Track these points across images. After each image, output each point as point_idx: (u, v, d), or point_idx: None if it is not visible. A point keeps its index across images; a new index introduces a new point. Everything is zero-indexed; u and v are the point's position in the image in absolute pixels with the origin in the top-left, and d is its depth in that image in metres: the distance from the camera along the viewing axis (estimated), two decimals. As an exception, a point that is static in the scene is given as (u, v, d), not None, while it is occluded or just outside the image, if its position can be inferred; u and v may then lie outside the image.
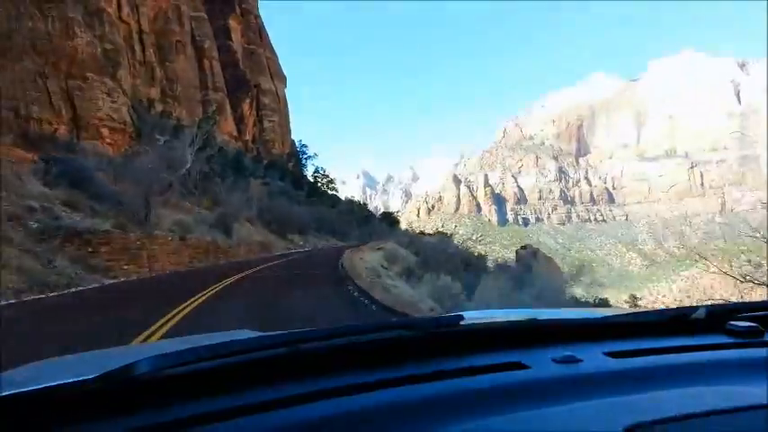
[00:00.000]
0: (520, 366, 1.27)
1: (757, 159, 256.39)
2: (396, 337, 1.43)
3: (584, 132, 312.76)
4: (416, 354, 1.37)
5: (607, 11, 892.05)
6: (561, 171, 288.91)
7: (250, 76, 51.95)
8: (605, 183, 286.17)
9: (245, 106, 51.05)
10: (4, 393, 1.08)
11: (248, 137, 51.18)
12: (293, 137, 61.52)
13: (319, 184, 57.66)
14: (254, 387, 1.17)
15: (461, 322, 1.48)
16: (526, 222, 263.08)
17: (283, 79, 60.67)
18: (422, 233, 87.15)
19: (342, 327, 1.33)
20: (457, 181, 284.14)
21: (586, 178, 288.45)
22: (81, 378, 1.16)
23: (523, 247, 31.66)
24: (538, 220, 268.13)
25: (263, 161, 44.74)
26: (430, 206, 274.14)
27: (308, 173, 60.53)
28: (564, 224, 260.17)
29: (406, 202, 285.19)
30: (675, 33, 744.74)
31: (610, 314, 1.82)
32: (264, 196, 45.15)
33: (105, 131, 30.61)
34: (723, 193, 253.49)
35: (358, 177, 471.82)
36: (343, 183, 69.40)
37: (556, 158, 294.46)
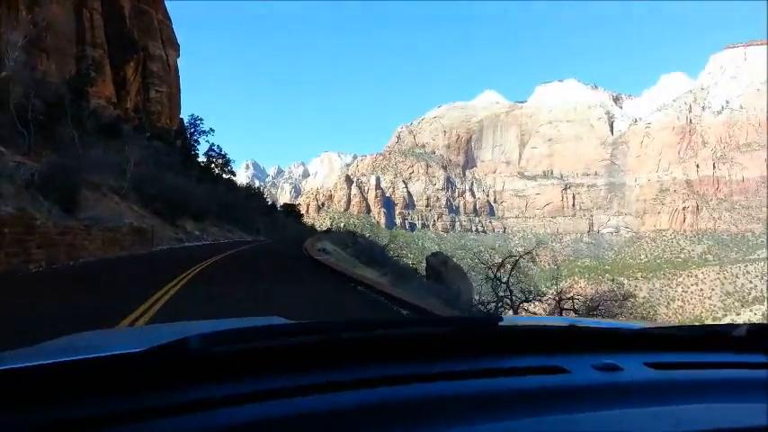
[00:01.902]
0: (559, 370, 1.27)
1: (623, 187, 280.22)
2: (433, 332, 1.44)
3: (473, 146, 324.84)
4: (453, 351, 1.38)
5: (507, 34, 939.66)
6: (449, 181, 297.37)
7: (138, 38, 45.70)
8: (488, 196, 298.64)
9: (129, 70, 44.81)
10: (59, 360, 1.11)
11: (130, 105, 44.90)
12: (183, 114, 55.18)
13: (213, 165, 51.26)
14: (294, 371, 1.18)
15: (500, 323, 1.51)
16: (413, 227, 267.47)
17: (177, 48, 54.64)
18: (313, 228, 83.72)
19: (381, 319, 1.34)
20: (349, 181, 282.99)
21: (471, 190, 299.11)
22: (129, 350, 1.19)
23: (434, 255, 29.81)
24: (424, 226, 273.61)
25: (146, 132, 38.78)
26: (320, 203, 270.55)
27: (201, 151, 53.43)
28: (448, 232, 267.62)
29: (296, 197, 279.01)
30: (561, 63, 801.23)
31: (650, 326, 1.83)
32: (149, 164, 36.57)
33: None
34: (591, 216, 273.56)
35: (247, 168, 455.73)
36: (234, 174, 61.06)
37: (445, 168, 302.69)
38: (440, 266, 29.29)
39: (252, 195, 58.80)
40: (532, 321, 1.73)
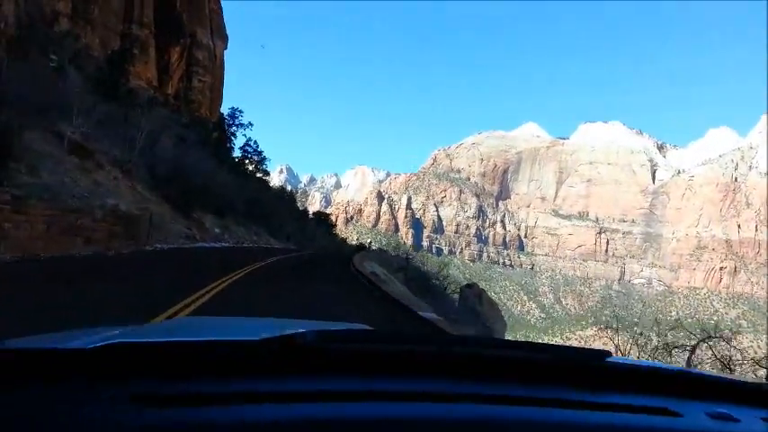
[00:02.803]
0: (670, 413, 1.25)
1: (659, 238, 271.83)
2: (540, 358, 1.45)
3: (509, 177, 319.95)
4: (560, 378, 1.37)
5: (555, 68, 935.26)
6: (481, 210, 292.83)
7: (186, 23, 43.61)
8: (519, 230, 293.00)
9: (174, 55, 42.67)
10: (172, 339, 1.20)
11: (171, 91, 42.68)
12: (223, 108, 52.77)
13: (247, 162, 48.35)
14: (407, 377, 1.22)
15: (607, 359, 1.48)
16: (439, 252, 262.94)
17: (225, 39, 52.58)
18: (344, 242, 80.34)
19: (492, 339, 1.40)
20: (380, 197, 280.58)
21: (502, 222, 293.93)
22: (244, 338, 1.27)
23: (468, 286, 26.82)
24: (451, 252, 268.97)
25: (181, 118, 36.30)
26: (349, 216, 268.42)
27: (237, 146, 50.43)
28: (474, 261, 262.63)
29: (326, 207, 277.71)
30: (608, 104, 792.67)
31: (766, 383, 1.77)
32: (171, 144, 32.15)
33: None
34: (624, 264, 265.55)
35: (281, 172, 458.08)
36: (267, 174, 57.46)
37: (478, 196, 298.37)
38: (474, 299, 26.29)
39: (283, 199, 55.18)
40: (641, 363, 1.71)
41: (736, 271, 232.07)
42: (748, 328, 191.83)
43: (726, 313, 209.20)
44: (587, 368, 1.46)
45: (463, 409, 1.08)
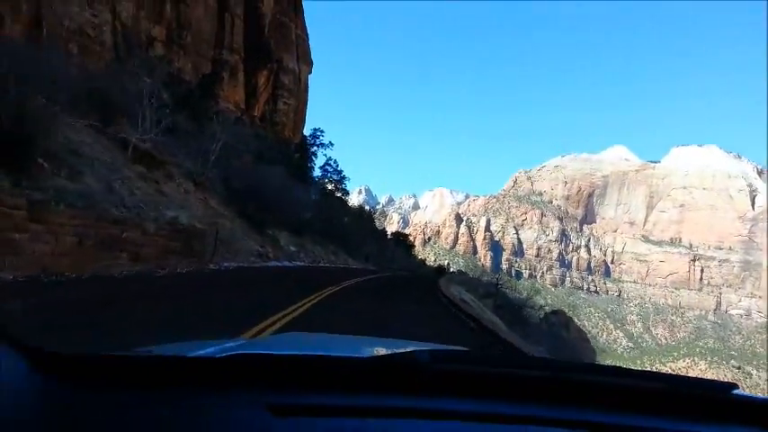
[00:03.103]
0: None
1: (759, 266, 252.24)
2: (659, 388, 1.41)
3: (594, 201, 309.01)
4: (678, 411, 1.34)
5: (644, 89, 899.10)
6: (564, 234, 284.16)
7: (274, 49, 45.95)
8: (605, 255, 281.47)
9: (261, 79, 44.99)
10: (295, 352, 1.29)
11: (257, 113, 44.99)
12: (306, 131, 54.76)
13: (327, 182, 49.18)
14: (512, 400, 1.23)
15: (733, 391, 1.43)
16: (519, 275, 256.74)
17: (310, 63, 54.82)
18: (423, 263, 79.96)
19: (593, 365, 1.45)
20: (459, 219, 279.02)
21: (587, 246, 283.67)
22: (354, 355, 1.35)
23: (554, 312, 26.18)
24: (531, 276, 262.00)
25: (266, 139, 38.10)
26: (427, 237, 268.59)
27: (317, 165, 50.82)
28: (556, 286, 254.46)
29: (403, 228, 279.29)
30: (702, 126, 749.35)
31: None
32: (249, 160, 32.59)
33: (73, 47, 24.42)
34: (720, 293, 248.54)
35: (360, 192, 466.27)
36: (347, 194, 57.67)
37: (561, 220, 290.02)
38: (561, 328, 25.64)
39: (362, 218, 55.01)
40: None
41: None
42: None
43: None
44: (713, 400, 1.41)
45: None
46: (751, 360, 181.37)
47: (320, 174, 49.31)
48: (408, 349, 1.34)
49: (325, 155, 54.60)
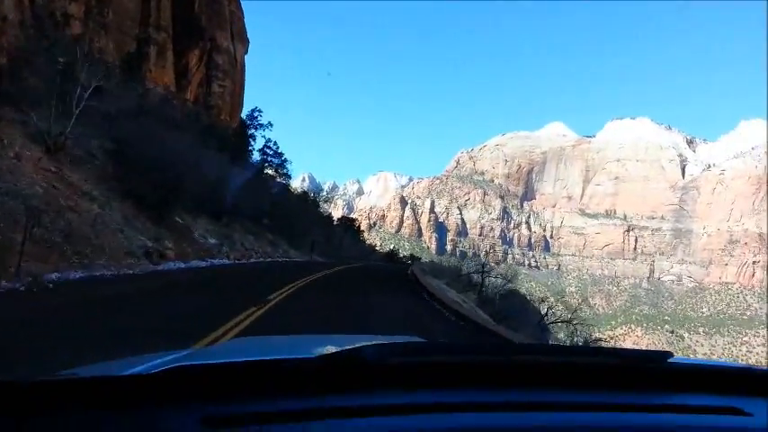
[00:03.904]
0: (738, 412, 1.22)
1: (689, 234, 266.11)
2: (602, 362, 1.45)
3: (533, 177, 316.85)
4: (622, 383, 1.36)
5: (579, 66, 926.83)
6: (505, 211, 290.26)
7: (206, 26, 43.72)
8: (544, 230, 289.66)
9: (193, 59, 42.73)
10: (233, 359, 1.22)
11: (189, 96, 42.74)
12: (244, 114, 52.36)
13: (267, 164, 45.83)
14: (468, 387, 1.22)
15: (670, 360, 1.46)
16: (463, 255, 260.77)
17: (246, 43, 52.55)
18: (374, 249, 78.38)
19: (551, 346, 1.36)
20: (403, 202, 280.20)
21: (527, 223, 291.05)
22: (303, 356, 1.28)
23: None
24: (475, 255, 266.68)
25: (199, 122, 36.09)
26: (372, 222, 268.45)
27: (256, 148, 47.97)
28: (499, 264, 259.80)
29: (349, 214, 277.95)
30: (635, 100, 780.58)
31: None
32: (153, 126, 23.85)
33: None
34: (653, 261, 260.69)
35: (304, 180, 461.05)
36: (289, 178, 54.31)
37: (502, 198, 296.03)
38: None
39: (306, 204, 51.25)
40: (704, 362, 1.68)
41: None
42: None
43: (760, 308, 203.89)
44: (650, 370, 1.43)
45: (525, 417, 1.08)
46: (683, 323, 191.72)
47: (259, 157, 46.77)
48: (359, 344, 1.30)
49: (264, 136, 51.52)
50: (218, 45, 46.02)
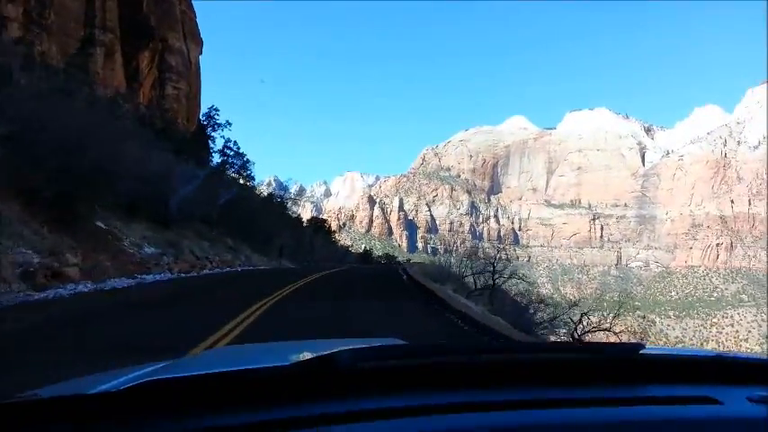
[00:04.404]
0: (710, 401, 1.23)
1: (653, 220, 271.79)
2: (575, 358, 1.45)
3: (499, 171, 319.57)
4: (595, 377, 1.37)
5: (538, 60, 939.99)
6: (473, 206, 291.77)
7: (155, 26, 41.20)
8: (513, 223, 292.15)
9: (144, 61, 40.18)
10: (210, 371, 1.19)
11: (142, 100, 40.18)
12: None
13: (228, 165, 42.90)
14: (440, 389, 1.20)
15: (642, 351, 1.46)
16: (434, 252, 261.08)
17: (200, 43, 50.12)
18: (348, 250, 76.24)
19: (521, 344, 1.43)
20: (371, 201, 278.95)
21: (496, 216, 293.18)
22: (277, 364, 1.25)
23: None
24: (446, 251, 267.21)
25: (153, 125, 33.48)
26: (341, 223, 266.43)
27: (216, 149, 44.87)
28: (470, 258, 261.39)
29: (317, 216, 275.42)
30: (593, 91, 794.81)
31: None
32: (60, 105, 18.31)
33: None
34: (620, 248, 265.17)
35: (270, 184, 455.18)
36: (252, 179, 50.40)
37: (469, 193, 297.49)
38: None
39: (272, 205, 48.08)
40: (676, 351, 1.75)
41: (732, 246, 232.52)
42: (749, 302, 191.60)
43: (725, 289, 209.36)
44: (623, 363, 1.44)
45: (497, 416, 1.07)
46: (653, 308, 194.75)
47: (219, 159, 43.72)
48: (335, 349, 1.28)
49: (224, 136, 46.68)
50: (169, 46, 43.54)
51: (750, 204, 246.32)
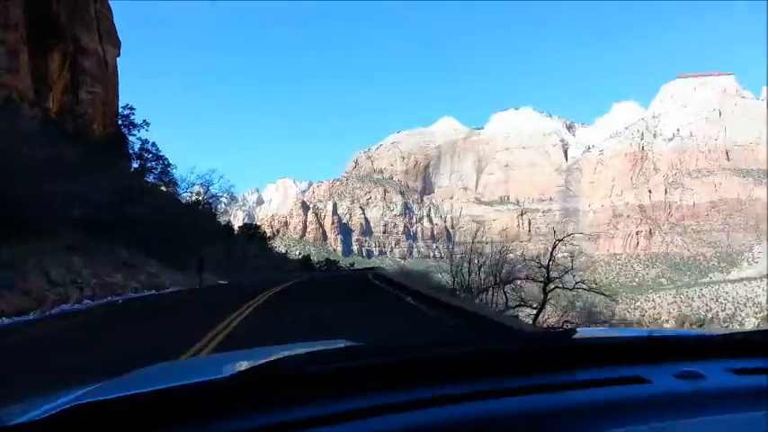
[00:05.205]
0: (640, 380, 1.25)
1: (577, 212, 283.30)
2: (508, 348, 1.45)
3: (430, 172, 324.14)
4: (530, 366, 1.36)
5: (463, 60, 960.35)
6: (407, 207, 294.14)
7: (66, 26, 38.57)
8: (445, 222, 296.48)
9: (54, 63, 37.37)
10: (158, 387, 1.13)
11: (53, 105, 37.47)
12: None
13: (147, 170, 39.51)
14: (380, 390, 1.20)
15: (574, 336, 1.49)
16: (370, 254, 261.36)
17: (118, 45, 47.36)
18: (286, 257, 73.88)
19: (456, 339, 1.44)
20: (305, 207, 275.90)
21: (429, 216, 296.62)
22: (226, 375, 1.22)
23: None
24: (381, 252, 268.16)
25: (64, 131, 30.86)
26: (275, 230, 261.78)
27: (134, 154, 41.16)
28: (406, 258, 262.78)
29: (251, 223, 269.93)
30: (517, 91, 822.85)
31: (730, 332, 1.80)
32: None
33: None
34: (548, 241, 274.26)
35: (199, 193, 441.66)
36: (176, 185, 43.69)
37: (402, 194, 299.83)
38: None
39: (198, 213, 42.23)
40: (608, 333, 1.77)
41: (651, 234, 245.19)
42: (668, 285, 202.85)
43: (646, 274, 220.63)
44: (556, 349, 1.46)
45: (434, 413, 1.07)
46: (580, 298, 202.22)
47: (137, 164, 40.07)
48: (277, 356, 1.26)
49: (140, 138, 42.41)
50: (83, 47, 40.82)
51: (666, 193, 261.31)
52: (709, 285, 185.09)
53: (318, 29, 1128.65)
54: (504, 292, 21.09)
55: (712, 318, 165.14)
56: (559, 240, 22.11)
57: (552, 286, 19.90)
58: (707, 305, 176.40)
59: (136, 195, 28.08)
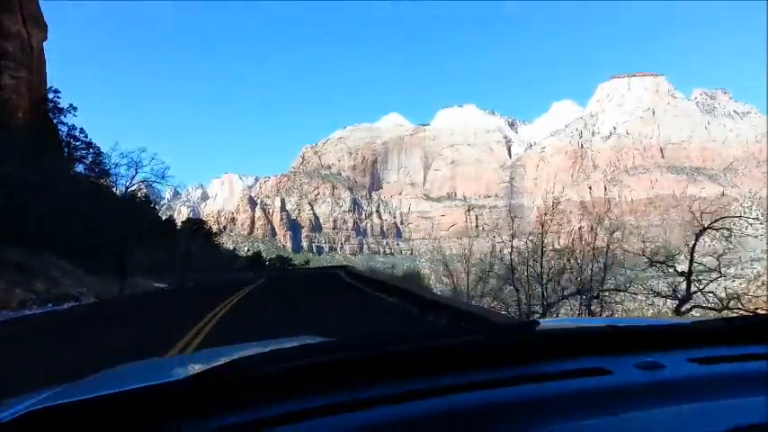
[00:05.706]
0: (601, 372, 1.26)
1: (522, 208, 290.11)
2: (470, 341, 1.45)
3: (378, 167, 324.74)
4: (491, 359, 1.36)
5: (409, 56, 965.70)
6: (355, 203, 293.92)
7: (-15, 6, 36.43)
8: (395, 218, 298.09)
9: (-28, 45, 35.40)
10: (107, 392, 1.10)
11: (-29, 89, 35.39)
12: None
13: (77, 159, 36.56)
14: (343, 386, 1.19)
15: (537, 328, 1.48)
16: (320, 251, 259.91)
17: (44, 28, 45.10)
18: (235, 253, 72.00)
19: (420, 333, 1.39)
20: (252, 203, 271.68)
21: (378, 212, 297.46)
22: (178, 378, 1.20)
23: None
24: (331, 249, 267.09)
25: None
26: (222, 226, 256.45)
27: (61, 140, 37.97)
28: (356, 254, 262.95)
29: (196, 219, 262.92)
30: (461, 88, 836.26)
31: (690, 321, 1.82)
32: None
33: None
34: (494, 236, 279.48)
35: (140, 189, 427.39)
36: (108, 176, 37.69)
37: (351, 190, 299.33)
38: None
39: (132, 208, 37.82)
40: (569, 324, 1.82)
41: (592, 229, 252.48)
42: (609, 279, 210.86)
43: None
44: (519, 342, 1.46)
45: (397, 408, 1.07)
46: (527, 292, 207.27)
47: (66, 153, 36.89)
48: (238, 355, 1.24)
49: (67, 123, 38.87)
50: (5, 30, 38.68)
51: (606, 190, 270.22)
52: (652, 280, 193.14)
53: (263, 23, 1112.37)
54: (589, 306, 18.23)
55: (659, 311, 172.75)
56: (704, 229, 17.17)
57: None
58: (647, 298, 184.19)
59: (52, 184, 24.01)
